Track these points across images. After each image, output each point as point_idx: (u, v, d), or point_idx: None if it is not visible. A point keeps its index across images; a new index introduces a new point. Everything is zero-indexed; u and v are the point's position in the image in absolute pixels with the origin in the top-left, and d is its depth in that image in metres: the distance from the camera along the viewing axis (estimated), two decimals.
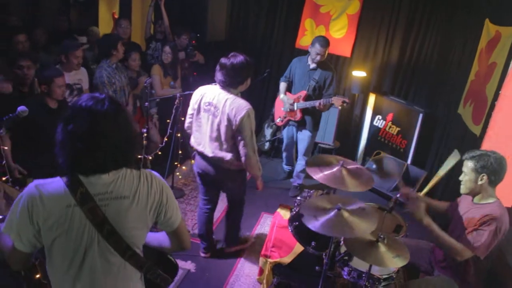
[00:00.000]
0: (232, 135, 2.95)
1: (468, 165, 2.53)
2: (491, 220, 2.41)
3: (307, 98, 4.39)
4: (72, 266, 1.49)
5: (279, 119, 4.70)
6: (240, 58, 2.88)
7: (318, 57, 4.22)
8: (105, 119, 1.39)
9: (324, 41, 4.20)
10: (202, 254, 3.59)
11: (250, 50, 5.84)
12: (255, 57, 5.23)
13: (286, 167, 5.23)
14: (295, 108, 4.45)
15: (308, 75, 4.41)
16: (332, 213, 2.37)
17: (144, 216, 1.55)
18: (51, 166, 3.03)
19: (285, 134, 4.84)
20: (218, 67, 2.93)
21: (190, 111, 3.16)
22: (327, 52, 4.28)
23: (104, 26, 5.73)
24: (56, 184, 1.44)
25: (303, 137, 4.59)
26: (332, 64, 4.66)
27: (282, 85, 4.57)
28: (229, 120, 2.89)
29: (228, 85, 2.93)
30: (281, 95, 4.57)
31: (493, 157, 2.47)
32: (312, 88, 4.37)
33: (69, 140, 1.37)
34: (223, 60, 2.91)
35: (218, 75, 2.93)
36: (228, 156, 3.02)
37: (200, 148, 3.13)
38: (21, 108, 2.47)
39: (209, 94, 3.00)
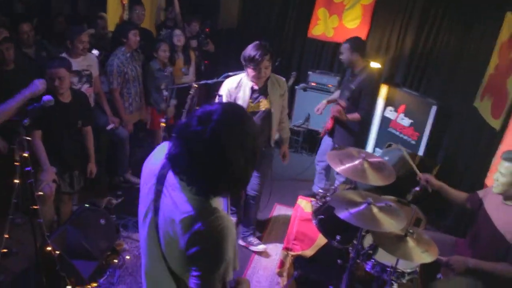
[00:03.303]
0: None
1: (507, 167, 2.45)
2: None
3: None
4: None
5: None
6: None
7: (341, 56, 3.86)
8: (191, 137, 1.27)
9: (345, 41, 3.84)
10: None
11: (261, 39, 5.77)
12: None
13: (318, 187, 4.28)
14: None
15: (347, 82, 3.97)
16: (363, 207, 2.38)
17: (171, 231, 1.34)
18: (56, 155, 3.01)
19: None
20: None
21: None
22: (351, 50, 3.74)
23: (113, 12, 5.60)
24: None
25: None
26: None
27: (336, 93, 4.30)
28: None
29: None
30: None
31: None
32: (346, 98, 3.88)
33: None
34: None
35: None
36: None
37: None
38: (47, 97, 2.39)
39: None
